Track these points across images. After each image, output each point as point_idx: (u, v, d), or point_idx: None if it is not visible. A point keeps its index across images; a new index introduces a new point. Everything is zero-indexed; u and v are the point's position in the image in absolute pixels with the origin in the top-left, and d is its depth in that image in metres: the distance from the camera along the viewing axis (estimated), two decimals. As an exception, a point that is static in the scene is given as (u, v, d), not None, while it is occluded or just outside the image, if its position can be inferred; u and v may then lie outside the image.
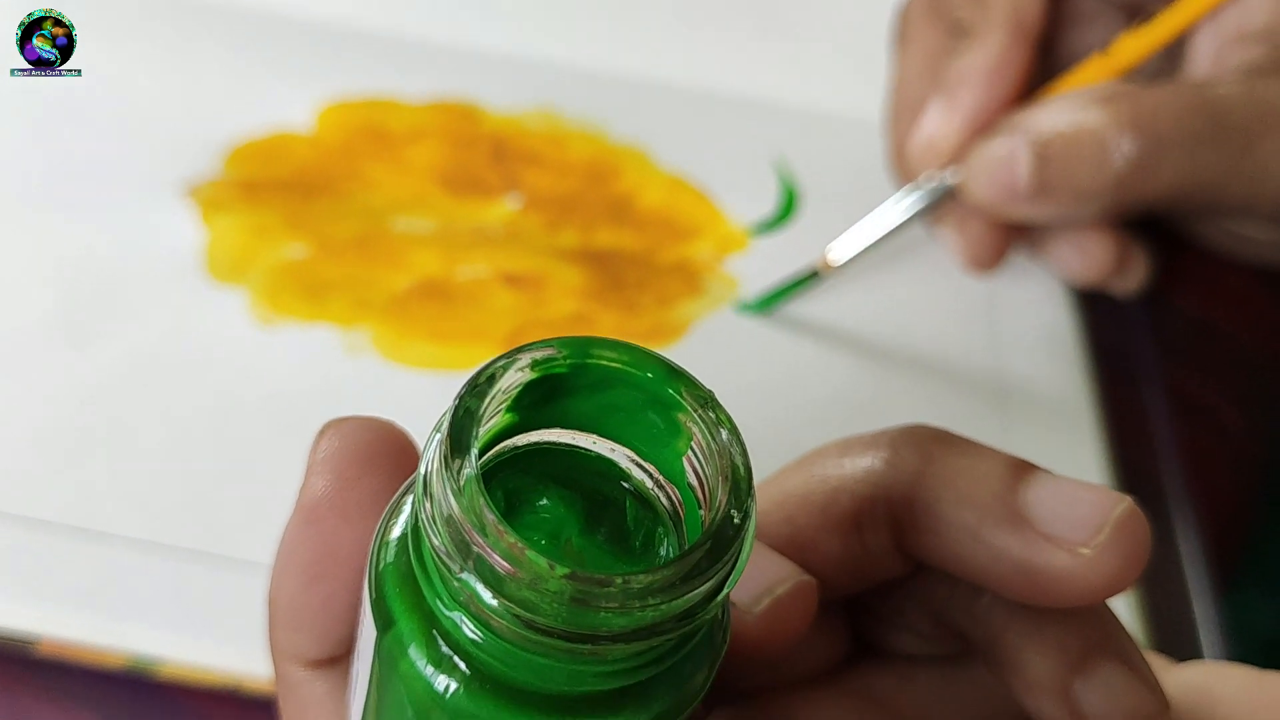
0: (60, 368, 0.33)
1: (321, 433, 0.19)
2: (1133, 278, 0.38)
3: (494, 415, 0.15)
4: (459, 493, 0.14)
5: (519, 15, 0.48)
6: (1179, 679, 0.23)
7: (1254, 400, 0.41)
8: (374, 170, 0.40)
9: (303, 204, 0.39)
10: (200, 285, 0.36)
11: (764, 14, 0.50)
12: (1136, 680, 0.19)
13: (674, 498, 0.17)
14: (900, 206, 0.37)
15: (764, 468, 0.33)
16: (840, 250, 0.37)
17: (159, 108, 0.41)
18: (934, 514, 0.20)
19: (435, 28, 0.46)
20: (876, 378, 0.37)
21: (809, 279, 0.38)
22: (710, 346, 0.36)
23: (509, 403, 0.15)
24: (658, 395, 0.16)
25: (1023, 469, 0.20)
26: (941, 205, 0.37)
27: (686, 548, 0.15)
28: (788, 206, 0.42)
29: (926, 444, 0.21)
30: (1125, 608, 0.33)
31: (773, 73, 0.48)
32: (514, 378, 0.15)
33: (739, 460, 0.15)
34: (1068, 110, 0.34)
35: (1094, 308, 0.40)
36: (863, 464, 0.21)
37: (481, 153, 0.42)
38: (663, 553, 0.16)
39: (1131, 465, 0.36)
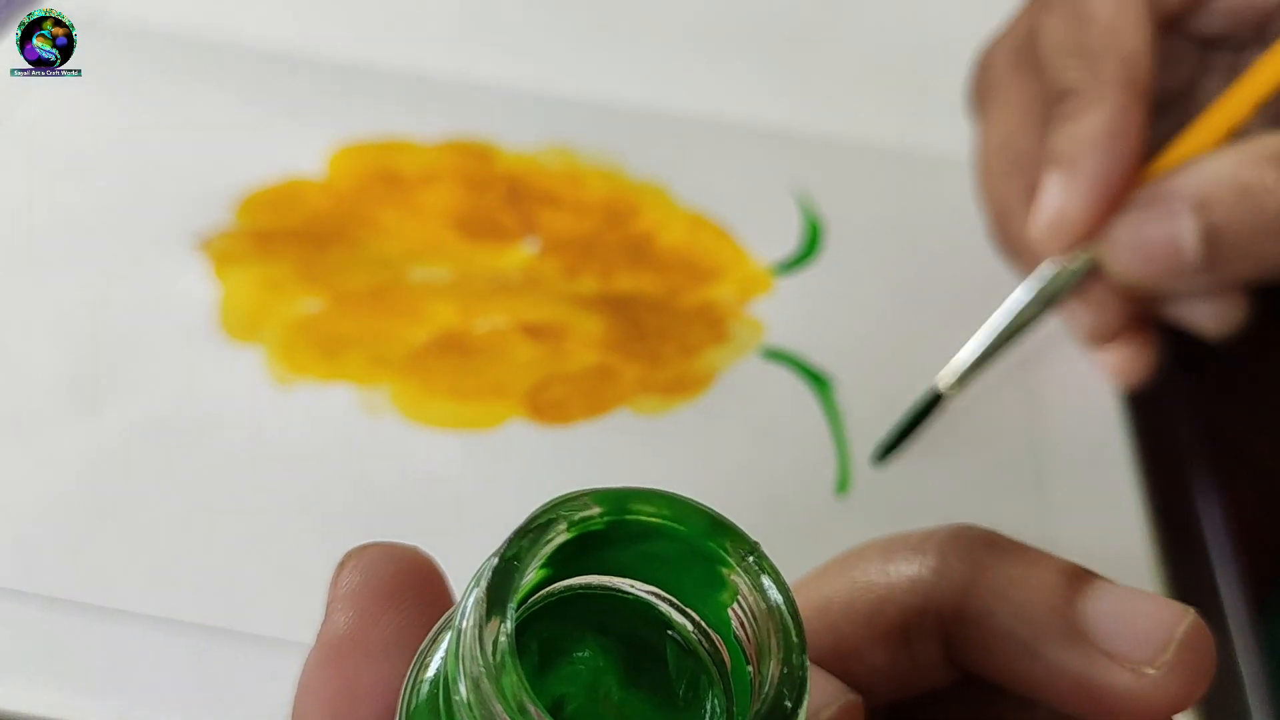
0: (71, 434, 0.32)
1: (342, 564, 0.18)
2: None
3: (529, 572, 0.14)
4: (494, 671, 0.13)
5: (530, 51, 0.47)
6: None
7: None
8: (387, 216, 0.39)
9: (316, 254, 0.38)
10: (214, 344, 0.35)
11: (778, 43, 0.49)
12: None
13: (719, 645, 0.16)
14: (1026, 299, 0.34)
15: (798, 520, 0.33)
16: (961, 364, 0.34)
17: (166, 156, 0.40)
18: (987, 627, 0.19)
19: (445, 66, 0.45)
20: (905, 394, 0.36)
21: (931, 406, 0.34)
22: (738, 397, 0.35)
23: (544, 560, 0.15)
24: (700, 549, 0.15)
25: (1079, 578, 0.19)
26: (1073, 289, 0.34)
27: None
28: (812, 242, 0.41)
29: (976, 550, 0.20)
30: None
31: (789, 101, 0.47)
32: (551, 537, 0.14)
33: (789, 622, 0.14)
34: (1232, 170, 0.31)
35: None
36: (909, 571, 0.20)
37: (497, 194, 0.41)
38: (708, 705, 0.16)
39: (1167, 501, 0.35)
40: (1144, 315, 0.37)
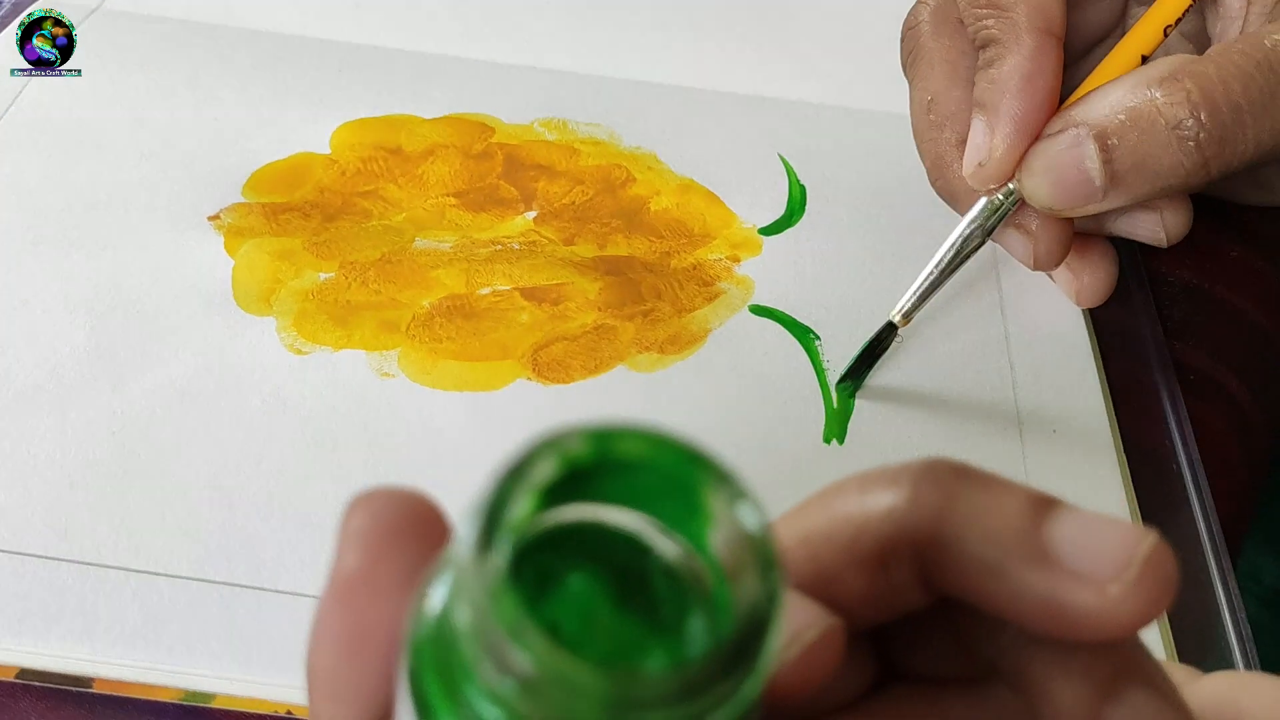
0: (96, 404, 0.34)
1: (350, 507, 0.20)
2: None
3: (521, 503, 0.16)
4: (491, 597, 0.15)
5: (524, 29, 0.48)
6: (1205, 690, 0.23)
7: (1257, 370, 0.41)
8: (391, 189, 0.41)
9: (324, 227, 0.39)
10: (230, 316, 0.36)
11: (757, 13, 0.51)
12: (1166, 705, 0.20)
13: (702, 568, 0.17)
14: (965, 234, 0.36)
15: (788, 469, 0.34)
16: (910, 298, 0.36)
17: (174, 137, 0.42)
18: (958, 552, 0.21)
19: (442, 43, 0.47)
20: (891, 368, 0.38)
21: (885, 338, 0.36)
22: (730, 353, 0.37)
23: (535, 493, 0.16)
24: (681, 478, 0.17)
25: (1046, 504, 0.21)
26: (1008, 220, 0.36)
27: (719, 636, 0.16)
28: (798, 204, 0.42)
29: (947, 481, 0.21)
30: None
31: (771, 69, 0.48)
32: (539, 470, 0.16)
33: (763, 540, 0.16)
34: (1126, 97, 0.33)
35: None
36: (884, 502, 0.22)
37: (495, 166, 0.42)
38: (693, 624, 0.17)
39: (1142, 441, 0.37)
40: (1088, 237, 0.39)
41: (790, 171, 0.44)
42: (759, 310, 0.39)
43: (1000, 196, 0.36)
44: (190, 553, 0.31)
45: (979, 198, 0.36)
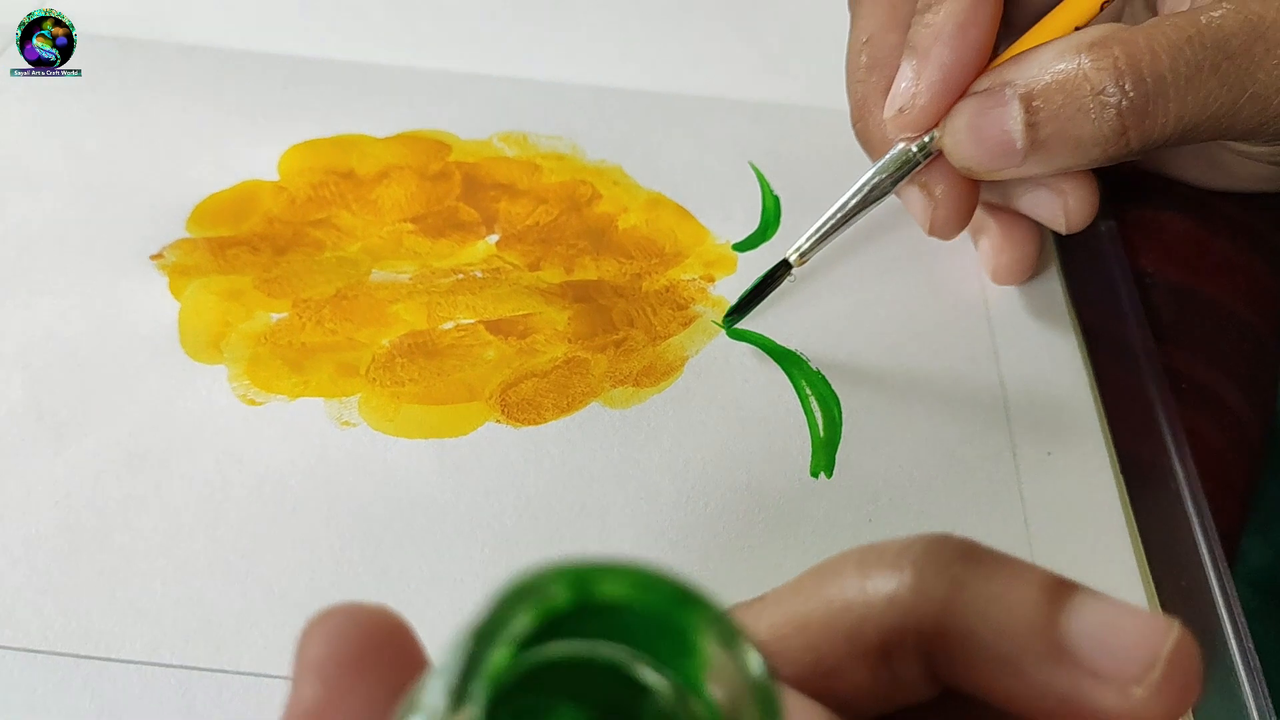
0: (36, 471, 0.31)
1: (306, 631, 0.18)
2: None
3: (496, 657, 0.14)
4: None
5: (475, 35, 0.46)
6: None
7: (1242, 367, 0.40)
8: (345, 217, 0.39)
9: (275, 262, 0.37)
10: (178, 365, 0.34)
11: (723, 9, 0.48)
12: None
13: (698, 709, 0.16)
14: (872, 181, 0.35)
15: (774, 508, 0.33)
16: (808, 239, 0.36)
17: (111, 164, 0.40)
18: (968, 646, 0.19)
19: (392, 54, 0.45)
20: (876, 385, 0.36)
21: (778, 275, 0.36)
22: (708, 382, 0.35)
23: (510, 644, 0.14)
24: (671, 621, 0.15)
25: (1061, 591, 0.19)
26: (915, 173, 0.35)
27: None
28: (772, 217, 0.41)
29: (954, 564, 0.20)
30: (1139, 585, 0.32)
31: (738, 66, 0.46)
32: (514, 625, 0.14)
33: (767, 686, 0.14)
34: (1054, 60, 0.32)
35: (1083, 292, 0.40)
36: (886, 588, 0.20)
37: (454, 187, 0.40)
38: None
39: (1138, 454, 0.36)
40: (1015, 214, 0.38)
41: (763, 181, 0.42)
42: (737, 335, 0.37)
43: (914, 148, 0.34)
44: (144, 634, 0.29)
45: (894, 145, 0.35)
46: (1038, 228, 0.38)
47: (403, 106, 0.43)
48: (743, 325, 0.37)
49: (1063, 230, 0.37)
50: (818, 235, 0.36)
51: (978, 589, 0.20)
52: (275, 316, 0.36)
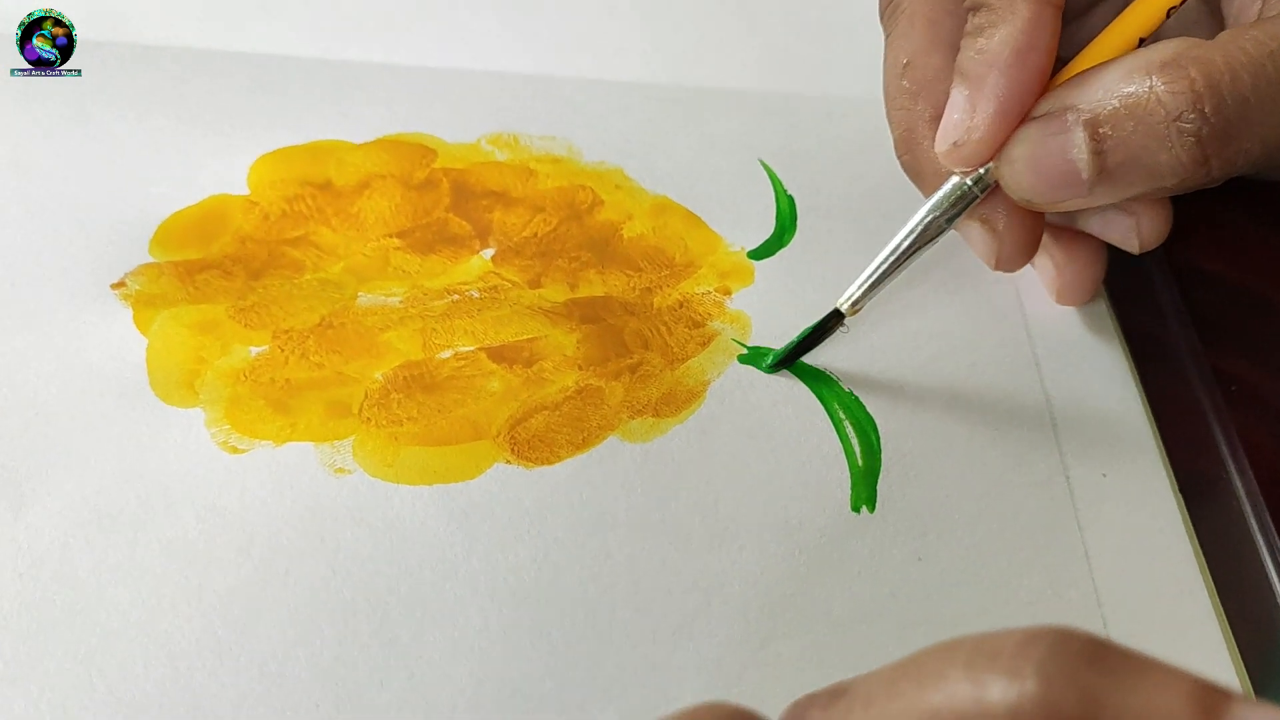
0: (-1, 538, 0.28)
1: None
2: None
3: None
4: None
5: (458, 24, 0.42)
6: None
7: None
8: (324, 234, 0.35)
9: (250, 287, 0.34)
10: (148, 410, 0.31)
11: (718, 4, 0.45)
12: None
13: None
14: (927, 219, 0.32)
15: (815, 548, 0.30)
16: (860, 287, 0.32)
17: (63, 181, 0.36)
18: None
19: (366, 49, 0.41)
20: (913, 405, 0.34)
21: (829, 325, 0.33)
22: (735, 408, 0.32)
23: None
24: None
25: (1213, 703, 0.17)
26: (973, 206, 0.32)
27: None
28: (788, 219, 0.38)
29: (1084, 673, 0.17)
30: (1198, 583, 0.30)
31: (740, 55, 0.43)
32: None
33: None
34: (1121, 81, 0.29)
35: (1121, 293, 0.37)
36: (1005, 700, 0.17)
37: (442, 197, 0.37)
38: None
39: (1190, 461, 0.33)
40: (1068, 232, 0.36)
41: (775, 180, 0.39)
42: (760, 355, 0.34)
43: (970, 181, 0.31)
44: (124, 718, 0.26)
45: (947, 179, 0.32)
46: (1103, 245, 0.36)
47: (380, 107, 0.39)
48: (759, 343, 0.34)
49: (1135, 251, 0.34)
50: (870, 281, 0.32)
51: (1117, 704, 0.17)
52: (254, 350, 0.32)
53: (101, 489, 0.29)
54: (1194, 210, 0.40)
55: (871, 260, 0.32)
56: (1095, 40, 0.31)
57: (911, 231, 0.32)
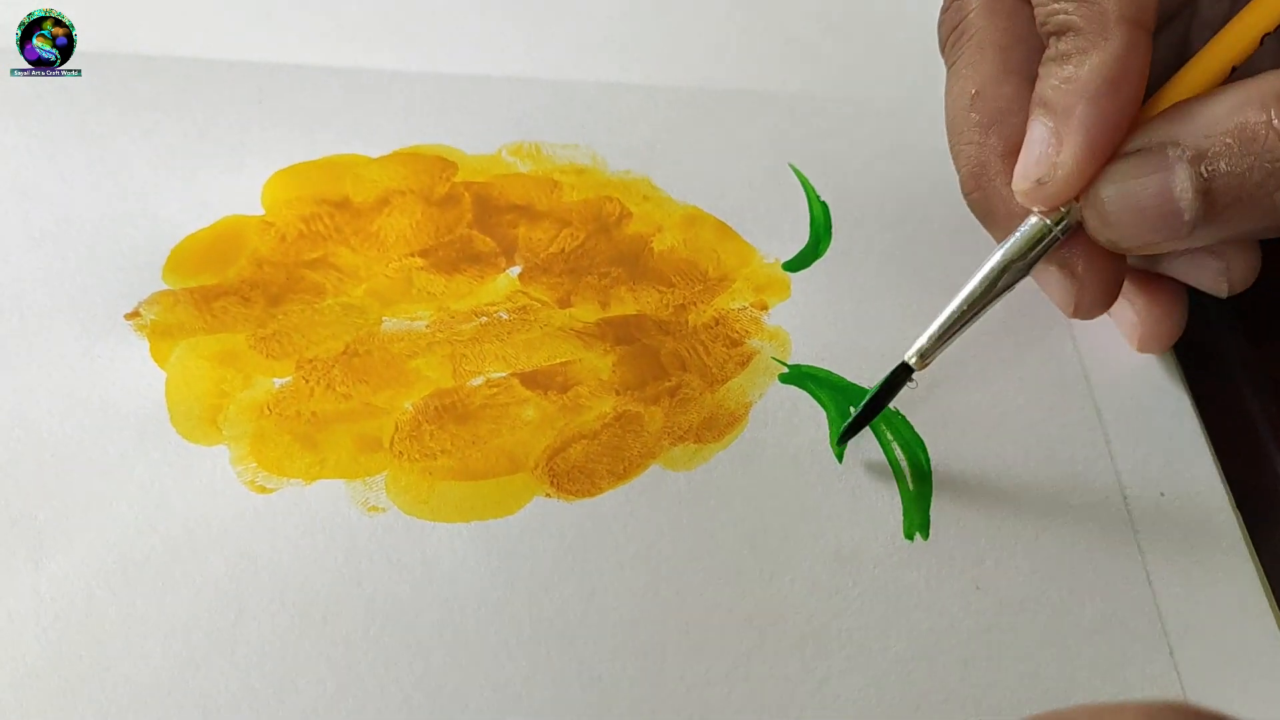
0: (16, 592, 0.27)
1: None
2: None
3: None
4: None
5: (471, 27, 0.41)
6: None
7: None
8: (344, 254, 0.34)
9: (270, 314, 0.32)
10: (170, 448, 0.30)
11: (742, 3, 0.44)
12: None
13: None
14: (1003, 264, 0.29)
15: (869, 579, 0.28)
16: (930, 338, 0.30)
17: (70, 206, 0.34)
18: None
19: (378, 56, 0.39)
20: (961, 423, 0.32)
21: (897, 381, 0.30)
22: (779, 431, 0.31)
23: None
24: None
25: None
26: (1055, 253, 0.30)
27: None
28: (823, 228, 0.36)
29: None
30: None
31: (765, 53, 0.42)
32: None
33: None
34: (1231, 114, 0.27)
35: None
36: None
37: (464, 212, 0.35)
38: None
39: (1246, 475, 0.32)
40: (1147, 276, 0.34)
41: (807, 186, 0.37)
42: (796, 374, 0.33)
43: (1050, 221, 0.29)
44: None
45: (1023, 220, 0.29)
46: (1184, 289, 0.34)
47: (396, 118, 0.38)
48: (800, 361, 0.33)
49: (1224, 295, 0.32)
50: (941, 331, 0.30)
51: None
52: (278, 381, 0.31)
53: (125, 535, 0.28)
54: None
55: (942, 310, 0.30)
56: (1182, 71, 0.29)
57: (986, 278, 0.29)
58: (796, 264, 0.35)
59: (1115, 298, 0.30)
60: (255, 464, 0.29)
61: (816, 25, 0.43)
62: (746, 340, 0.33)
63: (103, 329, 0.32)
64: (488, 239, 0.35)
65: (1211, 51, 0.29)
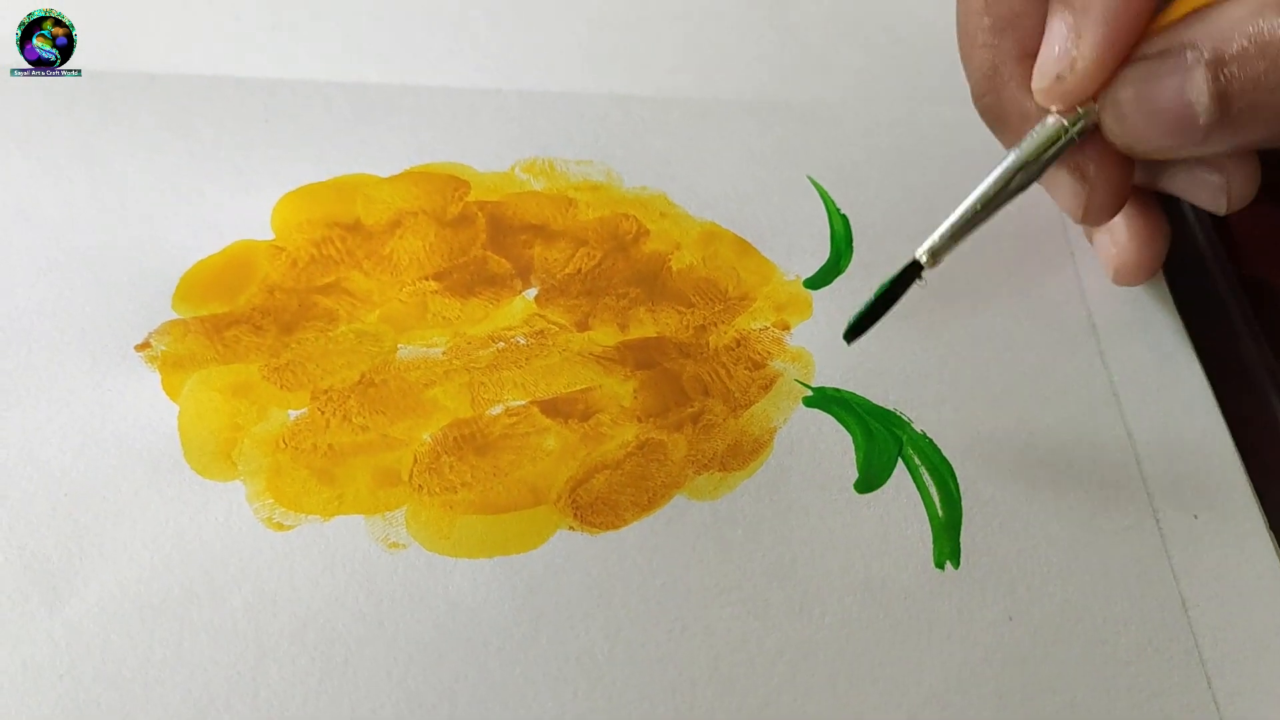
0: (31, 638, 0.26)
1: None
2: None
3: None
4: None
5: (481, 40, 0.40)
6: None
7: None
8: (356, 279, 0.33)
9: (283, 343, 0.32)
10: (184, 484, 0.29)
11: (755, 8, 0.43)
12: None
13: None
14: (1018, 164, 0.29)
15: (901, 611, 0.28)
16: (943, 235, 0.29)
17: (74, 232, 0.34)
18: None
19: (386, 70, 0.39)
20: (989, 446, 0.32)
21: (907, 278, 0.30)
22: (804, 458, 0.31)
23: None
24: None
25: None
26: (1068, 156, 0.29)
27: None
28: (844, 243, 0.36)
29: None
30: None
31: (776, 61, 0.41)
32: None
33: None
34: (1250, 17, 0.26)
35: (1187, 309, 0.35)
36: None
37: (479, 233, 0.35)
38: None
39: (1276, 490, 0.32)
40: (1137, 203, 0.34)
41: (827, 199, 0.37)
42: (823, 398, 0.32)
43: (1067, 122, 0.29)
44: None
45: (1035, 122, 0.29)
46: (1166, 220, 0.34)
47: (405, 135, 0.37)
48: (823, 383, 0.32)
49: (1222, 212, 0.31)
50: (954, 229, 0.29)
51: None
52: (293, 413, 0.30)
53: (142, 577, 0.27)
54: (1263, 224, 0.38)
55: (955, 207, 0.29)
56: None
57: (1000, 179, 0.29)
58: (818, 281, 0.35)
59: (1123, 204, 0.30)
60: (272, 500, 0.29)
61: (829, 32, 0.42)
62: (769, 362, 0.33)
63: (113, 361, 0.31)
64: (503, 260, 0.34)
65: None
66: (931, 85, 0.40)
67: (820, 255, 0.35)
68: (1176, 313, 0.35)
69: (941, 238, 0.29)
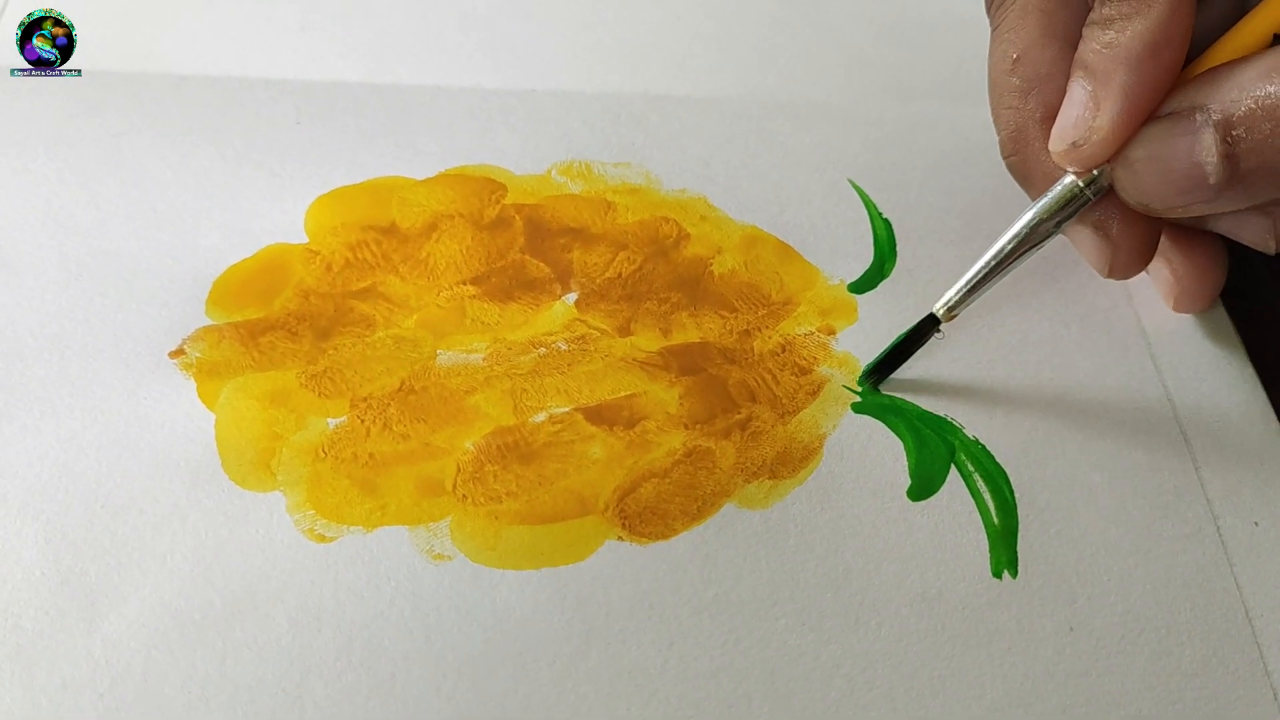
0: (70, 656, 0.26)
1: None
2: None
3: None
4: None
5: (514, 39, 0.39)
6: None
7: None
8: (393, 283, 0.33)
9: (319, 349, 0.31)
10: (223, 495, 0.28)
11: (792, 7, 0.42)
12: None
13: None
14: (1034, 222, 0.29)
15: (959, 623, 0.27)
16: (959, 291, 0.30)
17: (105, 237, 0.33)
18: None
19: (419, 71, 0.38)
20: (1043, 452, 0.31)
21: (923, 332, 0.31)
22: (855, 465, 0.30)
23: None
24: None
25: None
26: (1084, 212, 0.30)
27: None
28: (887, 247, 0.35)
29: None
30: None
31: (819, 66, 0.40)
32: None
33: None
34: (1259, 80, 0.26)
35: (1237, 313, 0.35)
36: None
37: (516, 236, 0.34)
38: None
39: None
40: (1194, 231, 0.33)
41: (868, 203, 0.36)
42: (872, 403, 0.31)
43: (1083, 183, 0.29)
44: None
45: (1057, 180, 0.29)
46: (1223, 247, 0.33)
47: (441, 135, 0.36)
48: (882, 391, 0.32)
49: (1271, 252, 0.31)
50: (969, 286, 0.30)
51: None
52: (332, 422, 0.30)
53: (181, 591, 0.27)
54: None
55: (972, 264, 0.30)
56: (1225, 36, 0.29)
57: (1017, 235, 0.30)
58: (862, 285, 0.34)
59: (1149, 258, 0.30)
60: (313, 511, 0.28)
61: (867, 31, 0.42)
62: (816, 368, 0.32)
63: (147, 368, 0.30)
64: (541, 264, 0.33)
65: (1256, 16, 0.29)
66: (971, 85, 0.39)
67: (863, 259, 0.35)
68: (1228, 316, 0.35)
69: (958, 293, 0.30)
